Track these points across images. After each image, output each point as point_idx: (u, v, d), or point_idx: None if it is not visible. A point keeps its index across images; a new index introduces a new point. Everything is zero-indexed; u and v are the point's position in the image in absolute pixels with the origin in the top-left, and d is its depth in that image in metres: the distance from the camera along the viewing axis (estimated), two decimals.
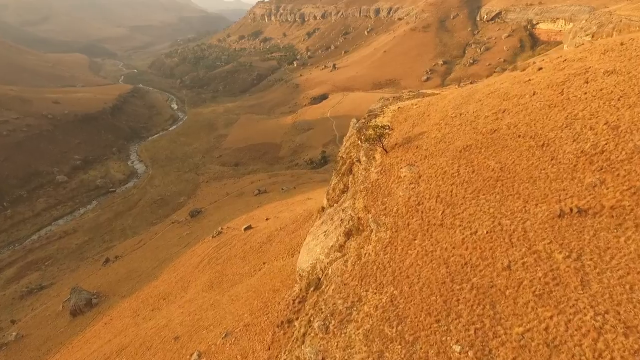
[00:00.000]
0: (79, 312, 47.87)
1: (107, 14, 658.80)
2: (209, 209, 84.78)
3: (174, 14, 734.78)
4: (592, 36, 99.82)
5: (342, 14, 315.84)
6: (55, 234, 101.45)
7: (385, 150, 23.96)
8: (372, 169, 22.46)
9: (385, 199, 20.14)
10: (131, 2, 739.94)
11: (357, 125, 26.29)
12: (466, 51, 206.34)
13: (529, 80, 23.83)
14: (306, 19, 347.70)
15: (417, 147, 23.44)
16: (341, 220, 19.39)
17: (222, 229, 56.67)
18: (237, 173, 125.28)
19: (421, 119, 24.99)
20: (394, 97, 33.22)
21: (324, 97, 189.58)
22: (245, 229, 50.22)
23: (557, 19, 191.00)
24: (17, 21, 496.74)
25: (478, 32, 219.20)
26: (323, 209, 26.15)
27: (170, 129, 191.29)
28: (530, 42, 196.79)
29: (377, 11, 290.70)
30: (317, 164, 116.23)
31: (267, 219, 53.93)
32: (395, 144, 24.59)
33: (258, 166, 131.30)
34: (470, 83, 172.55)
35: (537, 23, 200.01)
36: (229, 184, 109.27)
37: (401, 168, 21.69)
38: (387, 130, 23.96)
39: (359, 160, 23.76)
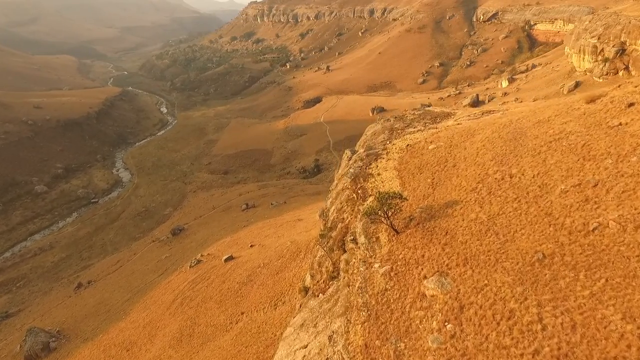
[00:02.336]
0: (35, 357, 41.91)
1: (97, 15, 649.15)
2: (193, 225, 78.87)
3: (166, 15, 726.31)
4: (599, 38, 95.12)
5: (336, 14, 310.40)
6: (30, 251, 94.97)
7: (396, 230, 16.45)
8: (376, 264, 15.06)
9: (401, 345, 12.01)
10: (122, 2, 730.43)
11: (351, 167, 19.95)
12: (463, 52, 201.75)
13: (620, 125, 15.82)
14: (299, 20, 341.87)
15: (446, 233, 15.40)
16: (327, 358, 13.41)
17: (202, 256, 50.88)
18: (226, 182, 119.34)
19: (444, 172, 18.12)
20: (395, 118, 27.50)
21: (317, 100, 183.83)
22: (226, 259, 44.48)
23: (556, 19, 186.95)
24: (4, 22, 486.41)
25: (474, 33, 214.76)
26: (306, 290, 20.18)
27: (159, 134, 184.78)
28: (528, 43, 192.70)
29: (372, 12, 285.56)
30: (309, 173, 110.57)
31: (251, 246, 48.22)
32: (410, 218, 16.86)
33: (248, 174, 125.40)
34: (468, 85, 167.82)
35: (535, 24, 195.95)
36: (217, 195, 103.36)
37: (425, 278, 13.51)
38: (398, 201, 16.26)
39: (354, 240, 16.90)
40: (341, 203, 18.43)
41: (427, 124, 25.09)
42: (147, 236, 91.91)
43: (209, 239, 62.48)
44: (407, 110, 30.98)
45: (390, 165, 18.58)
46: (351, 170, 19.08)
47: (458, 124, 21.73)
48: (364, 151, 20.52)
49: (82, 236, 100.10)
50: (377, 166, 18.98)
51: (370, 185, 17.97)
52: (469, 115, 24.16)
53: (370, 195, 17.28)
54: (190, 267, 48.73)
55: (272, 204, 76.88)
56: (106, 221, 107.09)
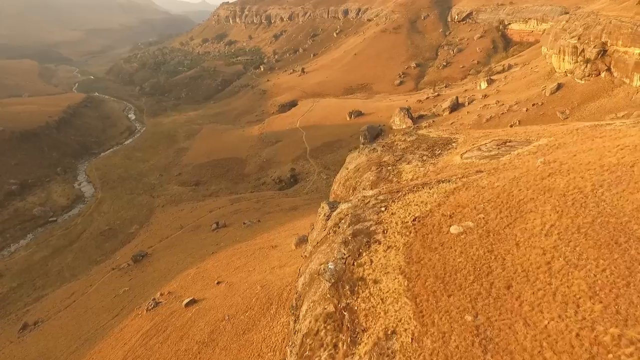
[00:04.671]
0: None
1: (61, 17, 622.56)
2: (158, 249, 71.81)
3: (135, 16, 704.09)
4: (579, 39, 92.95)
5: (310, 15, 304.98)
6: None
7: None
8: None
9: None
10: (88, 3, 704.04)
11: (331, 260, 12.75)
12: (439, 53, 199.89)
13: None
14: (272, 21, 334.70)
15: None
16: None
17: (161, 295, 44.37)
18: (197, 195, 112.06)
19: (495, 304, 10.35)
20: (383, 147, 21.94)
21: (292, 104, 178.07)
22: (188, 304, 38.25)
23: (529, 19, 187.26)
24: None
25: (450, 33, 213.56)
26: None
27: (126, 142, 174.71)
28: (503, 43, 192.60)
29: (346, 12, 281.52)
30: (285, 184, 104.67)
31: (218, 282, 42.10)
32: None
33: (221, 185, 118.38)
34: (446, 86, 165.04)
35: (509, 23, 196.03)
36: (186, 211, 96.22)
37: None
38: None
39: None
40: (317, 320, 12.04)
41: (424, 158, 19.66)
42: (109, 259, 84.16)
43: (173, 269, 55.82)
44: (397, 135, 25.29)
45: (393, 262, 12.27)
46: (330, 265, 12.92)
47: (477, 170, 15.72)
48: (349, 225, 14.36)
49: (36, 261, 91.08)
50: (372, 261, 12.61)
51: (364, 307, 11.21)
52: (480, 150, 18.63)
53: (364, 332, 10.73)
54: (147, 310, 42.15)
55: (244, 222, 70.59)
56: (65, 242, 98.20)
